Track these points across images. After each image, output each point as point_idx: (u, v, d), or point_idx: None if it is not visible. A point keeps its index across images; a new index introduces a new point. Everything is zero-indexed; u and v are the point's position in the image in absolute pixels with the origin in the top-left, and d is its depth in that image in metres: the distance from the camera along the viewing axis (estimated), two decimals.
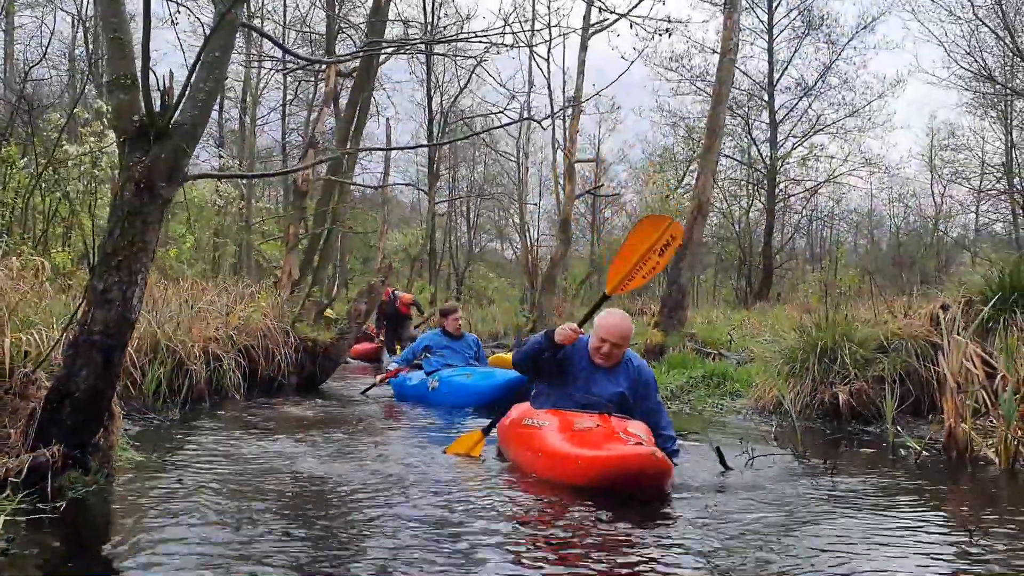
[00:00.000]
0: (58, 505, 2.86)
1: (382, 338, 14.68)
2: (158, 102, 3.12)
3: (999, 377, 4.88)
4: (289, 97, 28.19)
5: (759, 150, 29.27)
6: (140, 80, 3.13)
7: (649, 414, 4.25)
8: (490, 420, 4.69)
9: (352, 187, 13.60)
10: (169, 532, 2.67)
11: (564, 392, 4.24)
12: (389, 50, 10.50)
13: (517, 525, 2.96)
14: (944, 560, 2.56)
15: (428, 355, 7.91)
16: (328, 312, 9.70)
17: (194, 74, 3.22)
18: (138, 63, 3.19)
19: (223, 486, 3.47)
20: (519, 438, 4.13)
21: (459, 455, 4.43)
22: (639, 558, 2.56)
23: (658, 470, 3.27)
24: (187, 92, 3.22)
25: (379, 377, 8.55)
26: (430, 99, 29.04)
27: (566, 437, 3.72)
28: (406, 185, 32.08)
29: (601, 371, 4.27)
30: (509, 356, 10.66)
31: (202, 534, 2.66)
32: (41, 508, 2.81)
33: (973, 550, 2.66)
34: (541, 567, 2.45)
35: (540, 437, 3.86)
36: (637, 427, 3.91)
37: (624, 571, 2.45)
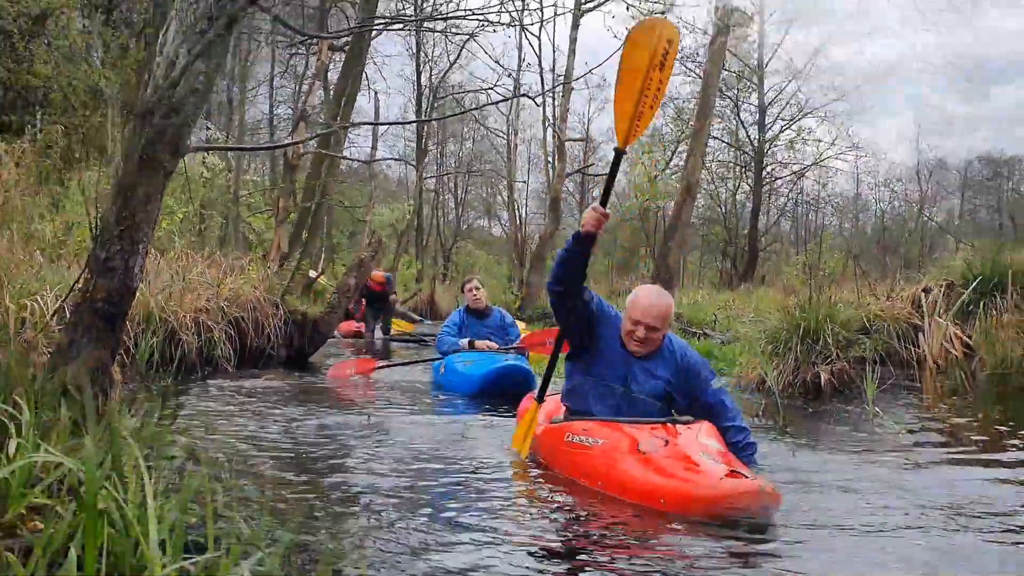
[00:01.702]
0: None
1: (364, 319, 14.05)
2: (162, 76, 3.14)
3: (977, 359, 5.01)
4: (278, 70, 28.00)
5: (747, 132, 29.40)
6: (144, 54, 3.15)
7: (709, 410, 3.51)
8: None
9: (340, 161, 13.58)
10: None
11: (603, 386, 3.56)
12: (382, 25, 10.46)
13: (517, 510, 3.02)
14: (922, 538, 2.66)
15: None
16: (321, 280, 9.55)
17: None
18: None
19: (219, 454, 3.53)
20: (566, 457, 3.36)
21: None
22: (620, 537, 2.65)
23: (764, 506, 2.70)
24: (190, 66, 3.24)
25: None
26: (419, 74, 28.93)
27: (634, 462, 2.96)
28: (395, 160, 32.02)
29: (636, 361, 3.55)
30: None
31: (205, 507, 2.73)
32: None
33: (948, 527, 2.77)
34: (532, 552, 2.52)
35: (598, 461, 3.12)
36: (709, 433, 3.20)
37: (608, 551, 2.53)
